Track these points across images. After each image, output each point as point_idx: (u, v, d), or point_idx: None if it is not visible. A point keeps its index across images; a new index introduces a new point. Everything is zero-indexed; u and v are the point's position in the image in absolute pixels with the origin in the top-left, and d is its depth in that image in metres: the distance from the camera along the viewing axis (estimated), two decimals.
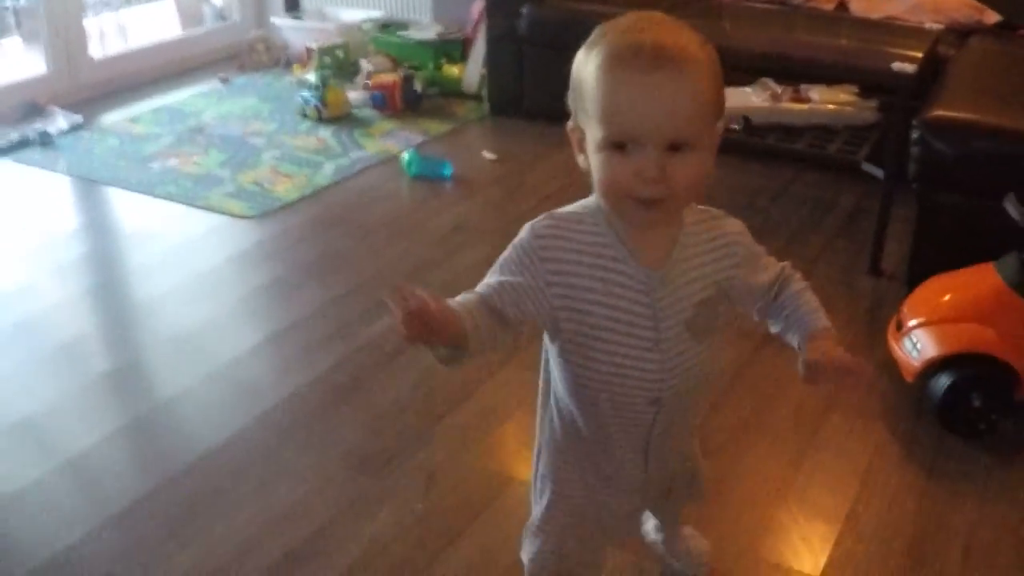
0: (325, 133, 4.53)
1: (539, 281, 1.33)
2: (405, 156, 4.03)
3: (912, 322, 2.35)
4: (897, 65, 2.92)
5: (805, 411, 2.41)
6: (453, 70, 4.98)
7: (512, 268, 1.34)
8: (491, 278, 1.35)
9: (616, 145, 1.25)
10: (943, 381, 2.28)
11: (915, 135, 2.72)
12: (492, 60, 4.62)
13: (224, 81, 5.54)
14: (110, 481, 2.23)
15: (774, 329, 1.50)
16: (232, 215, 3.70)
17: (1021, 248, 2.25)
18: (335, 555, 2.01)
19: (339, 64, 5.19)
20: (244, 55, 5.86)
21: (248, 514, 2.13)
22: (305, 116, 4.74)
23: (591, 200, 1.37)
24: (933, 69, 3.18)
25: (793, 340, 1.46)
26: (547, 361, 1.49)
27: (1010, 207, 2.23)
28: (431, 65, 5.03)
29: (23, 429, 2.37)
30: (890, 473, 2.24)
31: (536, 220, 1.36)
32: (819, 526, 2.08)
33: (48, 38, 5.31)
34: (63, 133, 4.78)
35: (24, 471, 2.24)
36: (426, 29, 5.27)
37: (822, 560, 1.99)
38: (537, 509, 1.58)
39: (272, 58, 5.81)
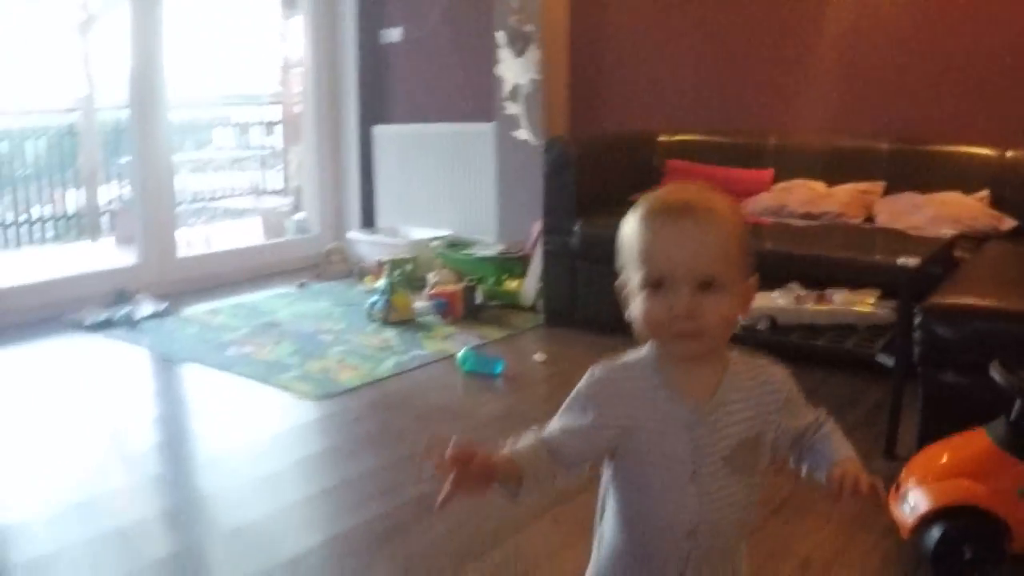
0: (390, 334, 4.85)
1: (596, 423, 1.44)
2: (460, 353, 4.31)
3: (908, 482, 2.52)
4: (902, 260, 3.20)
5: (812, 566, 2.56)
6: (512, 284, 5.31)
7: (573, 412, 1.46)
8: (555, 422, 1.47)
9: (653, 285, 1.38)
10: (935, 533, 2.41)
11: (917, 320, 2.95)
12: (547, 274, 4.96)
13: (301, 286, 5.95)
14: None
15: (805, 469, 1.54)
16: (297, 394, 3.98)
17: (1008, 411, 2.44)
18: None
19: (408, 277, 5.54)
20: (321, 264, 6.29)
21: None
22: (372, 319, 5.07)
23: (644, 349, 1.48)
24: (947, 270, 3.43)
25: (821, 472, 1.50)
26: (602, 495, 1.57)
27: (995, 373, 2.43)
28: (492, 279, 5.37)
29: None
30: None
31: (595, 365, 1.48)
32: None
33: (142, 234, 5.79)
34: (148, 318, 5.18)
35: None
36: (489, 247, 5.65)
37: None
38: None
39: (347, 268, 6.23)
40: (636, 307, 1.42)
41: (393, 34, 6.48)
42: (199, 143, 8.78)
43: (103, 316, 5.15)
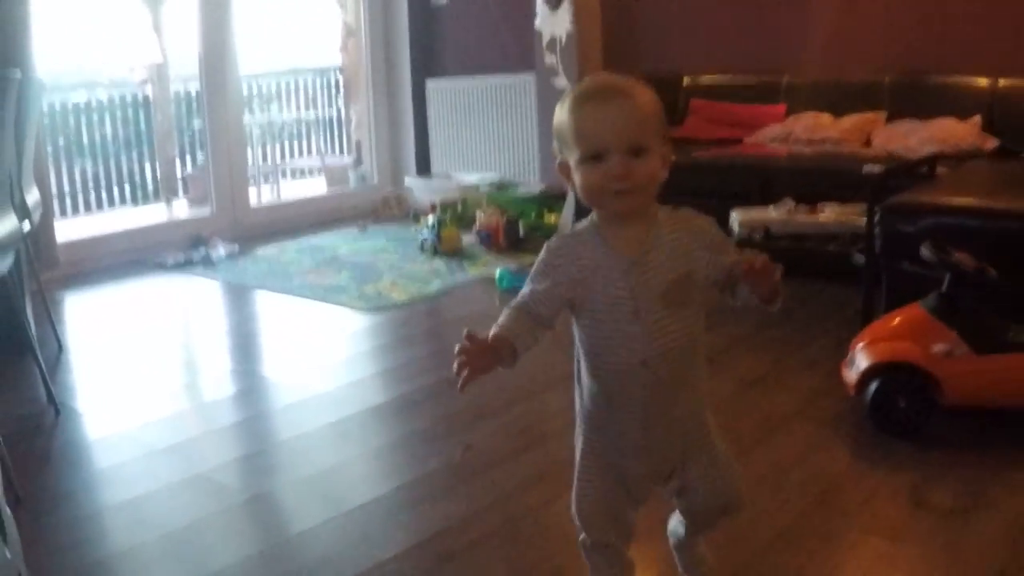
0: (438, 263, 5.36)
1: (553, 283, 1.69)
2: (497, 273, 4.81)
3: (855, 348, 2.96)
4: (867, 167, 3.64)
5: (773, 421, 3.02)
6: (551, 218, 5.80)
7: (536, 278, 1.72)
8: (525, 288, 1.73)
9: (592, 157, 1.62)
10: (874, 386, 2.84)
11: (876, 218, 3.38)
12: (579, 208, 5.43)
13: (361, 228, 6.48)
14: None
15: (738, 299, 1.71)
16: (353, 308, 4.53)
17: (938, 284, 2.87)
18: None
19: (458, 216, 6.04)
20: (379, 209, 6.82)
21: None
22: (423, 251, 5.60)
23: (586, 220, 1.74)
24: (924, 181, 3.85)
25: (744, 290, 1.67)
26: (577, 351, 1.80)
27: (925, 251, 2.86)
28: (534, 214, 5.86)
29: (166, 543, 2.45)
30: (827, 458, 2.76)
31: (548, 241, 1.75)
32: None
33: (215, 188, 6.37)
34: (222, 259, 5.73)
35: None
36: (532, 187, 6.14)
37: None
38: (575, 469, 1.86)
39: (403, 211, 6.75)
40: (578, 178, 1.65)
41: None
42: (267, 108, 9.28)
43: (183, 258, 5.73)
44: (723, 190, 4.66)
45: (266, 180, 8.54)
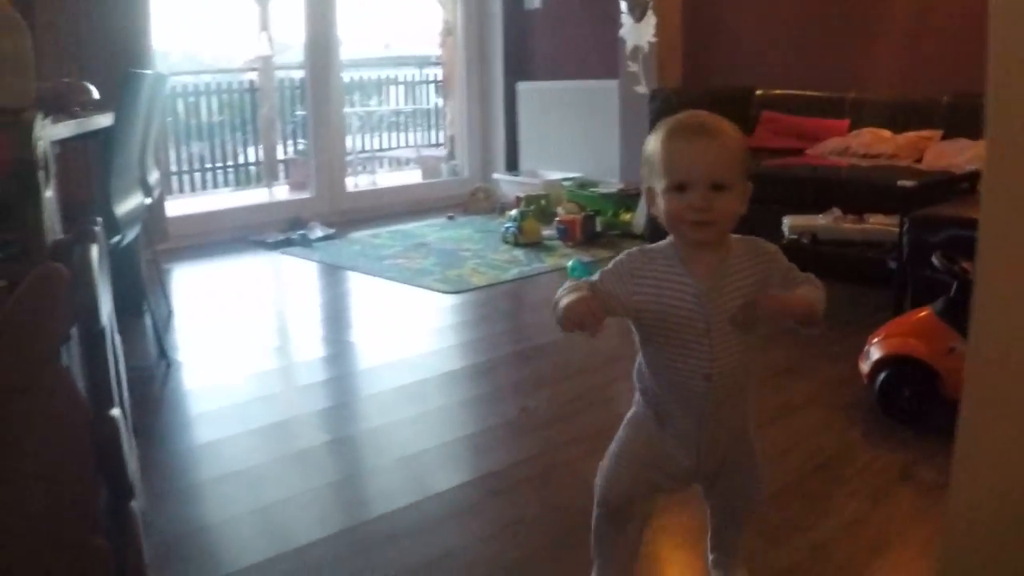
0: (518, 253, 5.81)
1: (626, 290, 1.80)
2: (570, 263, 5.24)
3: (870, 343, 3.33)
4: (901, 181, 3.98)
5: (793, 404, 3.40)
6: (627, 216, 6.20)
7: (610, 279, 1.82)
8: (596, 278, 1.84)
9: (676, 188, 1.72)
10: (882, 376, 3.19)
11: (905, 227, 3.73)
12: (652, 217, 5.82)
13: (450, 218, 6.95)
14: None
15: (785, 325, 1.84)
16: (435, 291, 4.99)
17: (947, 290, 3.21)
18: None
19: (540, 210, 6.47)
20: (468, 201, 7.28)
21: None
22: (506, 241, 6.04)
23: (665, 241, 1.83)
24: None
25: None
26: (638, 350, 1.91)
27: (935, 259, 3.21)
28: (611, 212, 6.27)
29: (261, 514, 2.66)
30: (833, 436, 3.08)
31: (629, 250, 1.85)
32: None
33: (315, 173, 6.90)
34: (319, 239, 6.24)
35: (256, 550, 2.47)
36: (611, 186, 6.55)
37: None
38: (611, 446, 2.01)
39: (490, 204, 7.21)
40: (662, 206, 1.76)
41: (535, 1, 7.44)
42: (368, 100, 9.77)
43: (282, 237, 6.25)
44: (783, 198, 5.01)
45: (364, 168, 9.05)
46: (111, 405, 2.08)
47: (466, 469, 2.92)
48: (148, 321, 4.10)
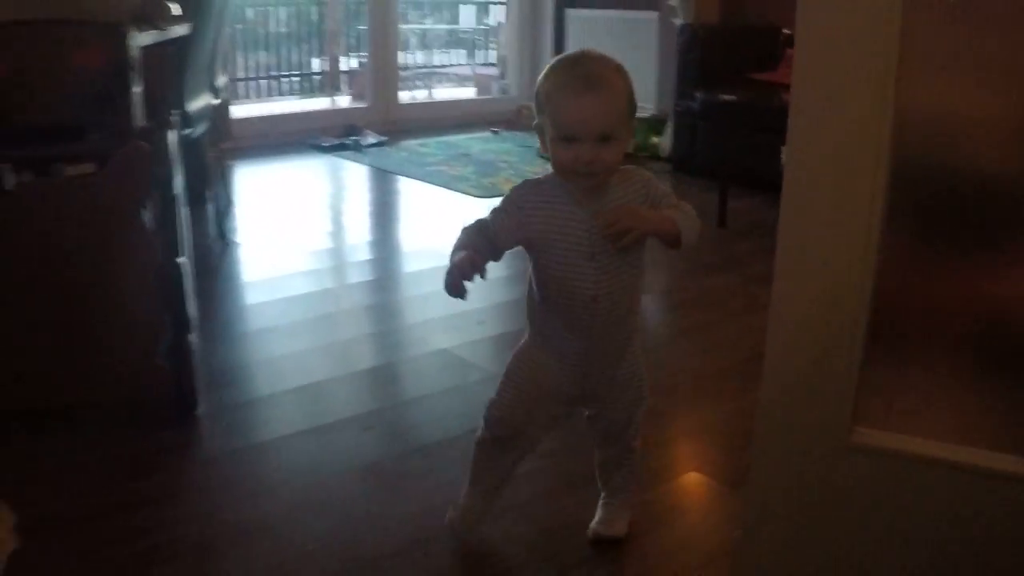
0: (549, 167, 6.31)
1: (516, 222, 1.87)
2: None
3: None
4: None
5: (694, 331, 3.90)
6: (655, 139, 6.70)
7: (500, 216, 1.89)
8: (489, 216, 1.90)
9: (565, 139, 1.77)
10: None
11: None
12: (676, 131, 6.33)
13: (494, 132, 7.48)
14: (352, 446, 2.66)
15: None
16: (468, 195, 5.56)
17: None
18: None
19: None
20: (513, 117, 7.80)
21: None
22: (540, 155, 6.54)
23: (551, 172, 1.89)
24: None
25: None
26: (530, 276, 1.96)
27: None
28: (641, 135, 6.76)
29: (302, 393, 2.96)
30: None
31: (517, 184, 1.93)
32: None
33: (370, 84, 7.45)
34: (371, 145, 6.81)
35: (293, 422, 2.76)
36: (645, 111, 7.03)
37: None
38: (507, 370, 2.07)
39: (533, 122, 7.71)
40: (552, 153, 1.83)
41: None
42: (429, 17, 10.18)
43: (336, 142, 6.82)
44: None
45: (422, 83, 9.56)
46: (178, 254, 2.69)
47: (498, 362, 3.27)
48: (210, 209, 4.68)
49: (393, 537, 2.21)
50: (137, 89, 2.74)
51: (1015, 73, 1.54)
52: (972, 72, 1.58)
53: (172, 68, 3.65)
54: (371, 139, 6.92)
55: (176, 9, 3.38)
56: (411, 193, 5.72)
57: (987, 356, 1.68)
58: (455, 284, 1.75)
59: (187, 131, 3.80)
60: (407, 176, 6.03)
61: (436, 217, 5.20)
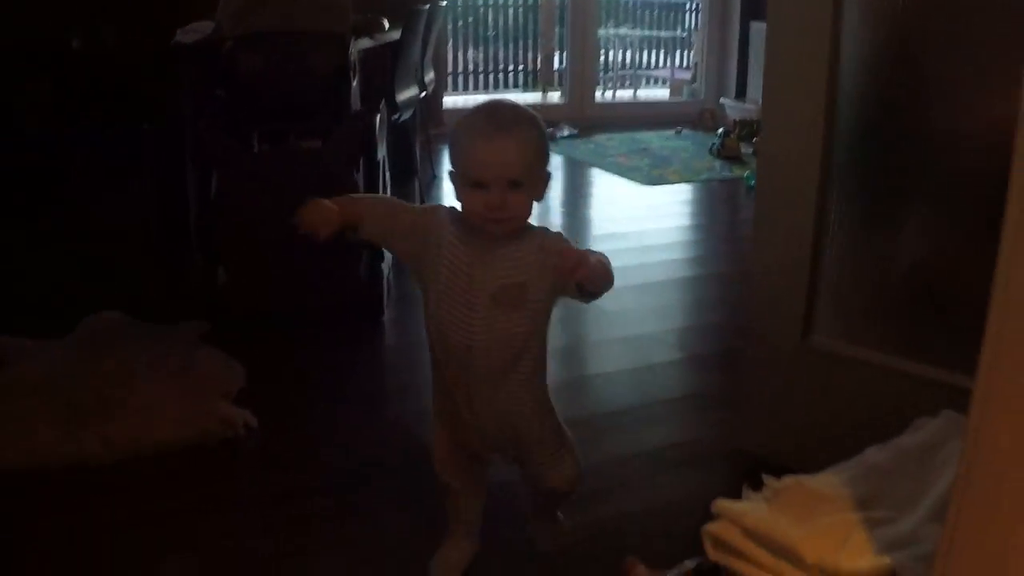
0: (716, 163, 7.07)
1: (421, 227, 1.83)
2: (746, 174, 6.43)
3: None
4: None
5: None
6: None
7: (418, 211, 1.89)
8: (407, 204, 1.89)
9: (473, 185, 1.72)
10: None
11: None
12: None
13: (677, 132, 8.26)
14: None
15: (584, 300, 1.80)
16: (636, 182, 6.42)
17: None
18: None
19: (750, 132, 7.63)
20: (697, 119, 8.58)
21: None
22: (710, 153, 7.33)
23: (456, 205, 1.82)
24: None
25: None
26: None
27: None
28: None
29: None
30: None
31: (441, 204, 1.89)
32: None
33: (568, 82, 8.41)
34: (565, 137, 7.74)
35: None
36: None
37: None
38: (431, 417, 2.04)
39: (715, 124, 8.43)
40: (461, 198, 1.77)
41: None
42: (621, 24, 10.81)
43: None
44: None
45: (622, 84, 10.37)
46: None
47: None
48: (416, 183, 5.62)
49: None
50: (354, 83, 3.73)
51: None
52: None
53: (383, 67, 4.65)
54: (565, 132, 7.83)
55: (386, 24, 4.36)
56: (584, 177, 6.60)
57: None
58: (307, 223, 1.78)
59: (395, 116, 4.78)
60: (591, 165, 6.93)
61: (601, 199, 6.09)
